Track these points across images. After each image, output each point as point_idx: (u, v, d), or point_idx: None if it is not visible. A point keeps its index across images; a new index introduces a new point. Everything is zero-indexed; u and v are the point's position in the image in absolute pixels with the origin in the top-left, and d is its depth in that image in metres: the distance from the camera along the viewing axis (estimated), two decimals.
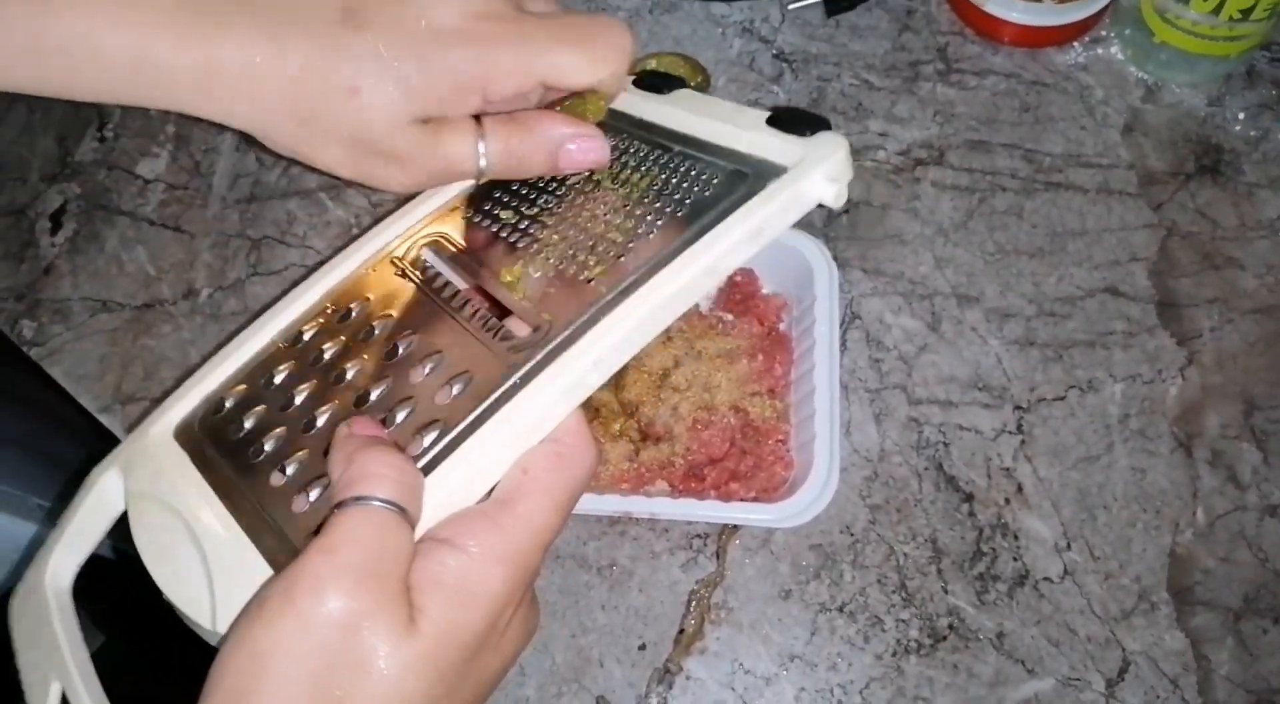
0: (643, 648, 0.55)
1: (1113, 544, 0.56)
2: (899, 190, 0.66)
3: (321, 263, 0.43)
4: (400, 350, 0.37)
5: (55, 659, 0.33)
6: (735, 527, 0.57)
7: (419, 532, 0.31)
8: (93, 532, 0.38)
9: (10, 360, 0.68)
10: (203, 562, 0.33)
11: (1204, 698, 0.53)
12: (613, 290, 0.34)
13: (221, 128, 0.53)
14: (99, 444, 0.63)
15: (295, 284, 0.42)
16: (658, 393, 0.57)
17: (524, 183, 0.42)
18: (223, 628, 0.31)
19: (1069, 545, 0.56)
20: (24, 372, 0.67)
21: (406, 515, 0.30)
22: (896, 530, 0.57)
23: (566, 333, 0.34)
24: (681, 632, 0.55)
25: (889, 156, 0.68)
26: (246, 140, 0.68)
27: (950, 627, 0.55)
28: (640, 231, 0.37)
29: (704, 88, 0.70)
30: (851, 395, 0.60)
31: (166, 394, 0.63)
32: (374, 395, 0.35)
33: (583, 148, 0.39)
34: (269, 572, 0.31)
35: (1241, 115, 0.68)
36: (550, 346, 0.33)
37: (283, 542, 0.32)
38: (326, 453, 0.33)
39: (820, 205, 0.35)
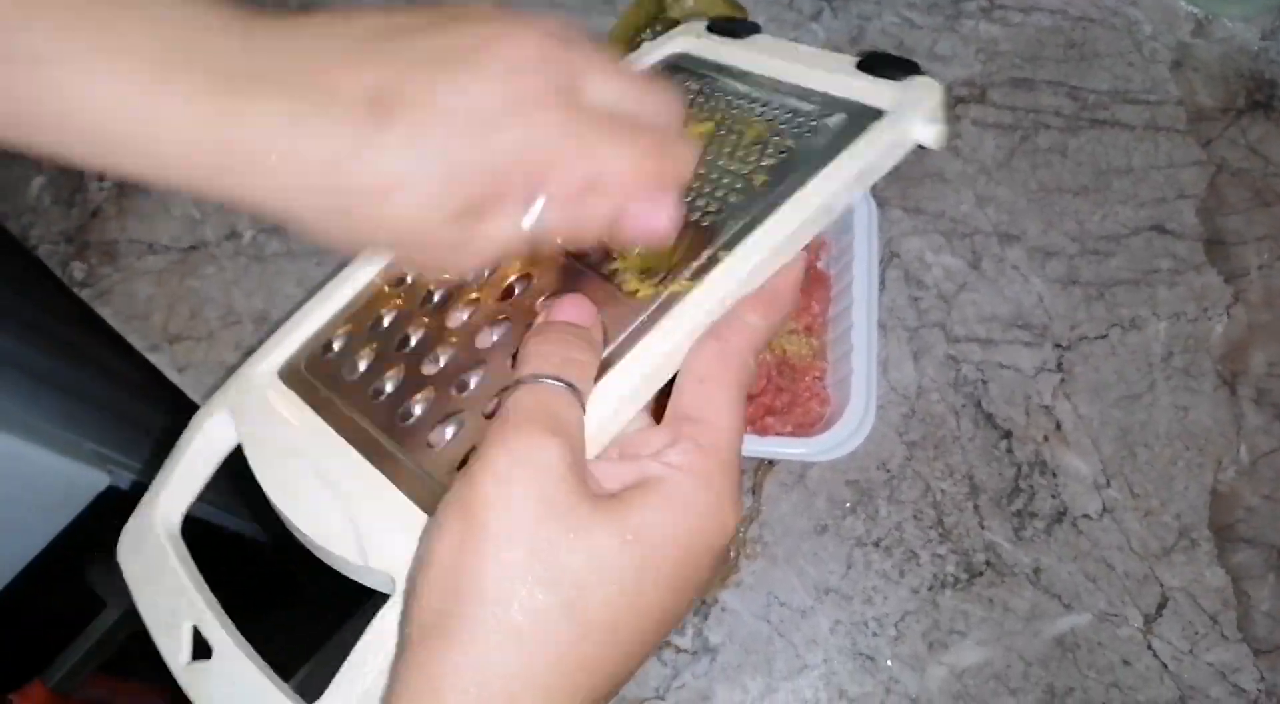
0: None
1: (1153, 482, 0.56)
2: None
3: None
4: (516, 291, 0.36)
5: (182, 599, 0.33)
6: (771, 462, 0.58)
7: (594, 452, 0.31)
8: (200, 473, 0.38)
9: (62, 308, 0.70)
10: (341, 503, 0.33)
11: (1243, 633, 0.52)
12: (729, 232, 0.34)
13: None
14: (149, 388, 0.65)
15: None
16: None
17: None
18: (373, 562, 0.31)
19: (1108, 483, 0.56)
20: (76, 318, 0.69)
21: (576, 392, 0.30)
22: (933, 467, 0.57)
23: (688, 273, 0.33)
24: None
25: None
26: None
27: (986, 562, 0.55)
28: (749, 174, 0.36)
29: None
30: (889, 334, 0.60)
31: (212, 334, 0.65)
32: (495, 337, 0.35)
33: (647, 216, 0.33)
34: (411, 506, 0.31)
35: None
36: (673, 287, 0.33)
37: (420, 475, 0.32)
38: (456, 390, 0.34)
39: (921, 147, 0.35)
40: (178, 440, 0.38)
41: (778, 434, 0.55)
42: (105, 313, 0.67)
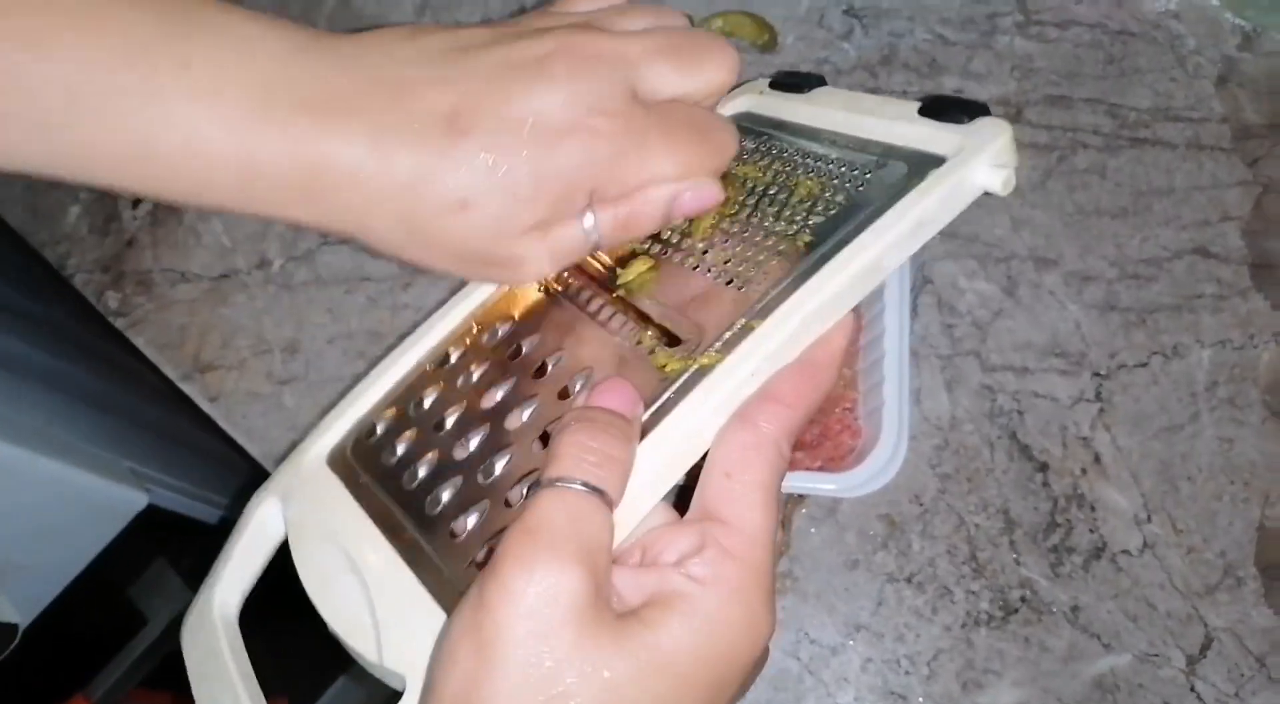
0: None
1: (1196, 517, 0.54)
2: None
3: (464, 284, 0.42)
4: (550, 368, 0.35)
5: (229, 695, 0.33)
6: (801, 496, 0.57)
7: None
8: (256, 560, 0.38)
9: (100, 329, 0.71)
10: (365, 593, 0.32)
11: None
12: (764, 298, 0.33)
13: None
14: (186, 406, 0.66)
15: (439, 306, 0.41)
16: None
17: None
18: (388, 661, 0.30)
19: (1149, 518, 0.54)
20: (114, 340, 0.70)
21: (605, 498, 0.29)
22: (967, 500, 0.56)
23: (718, 344, 0.32)
24: None
25: None
26: None
27: (1022, 599, 0.54)
28: (791, 233, 0.35)
29: (770, 47, 0.68)
30: (922, 362, 0.59)
31: (243, 362, 0.66)
32: (525, 416, 0.34)
33: (696, 195, 0.35)
34: (430, 602, 0.31)
35: None
36: (702, 359, 0.32)
37: (441, 569, 0.32)
38: (483, 476, 0.33)
39: (987, 193, 0.33)
40: (234, 527, 0.39)
41: (807, 469, 0.54)
42: (139, 342, 0.68)
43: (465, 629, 0.27)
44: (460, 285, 0.42)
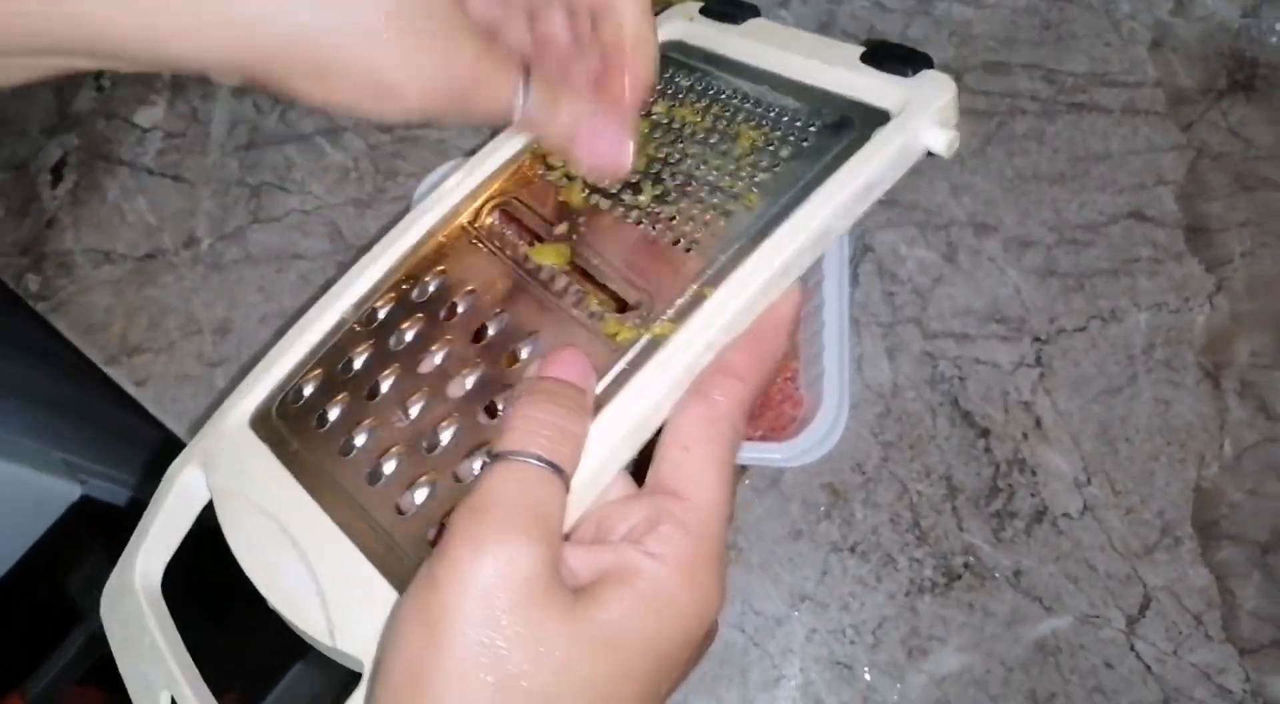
0: None
1: (1135, 478, 0.54)
2: None
3: (386, 229, 0.39)
4: (490, 330, 0.34)
5: (160, 667, 0.32)
6: (744, 467, 0.56)
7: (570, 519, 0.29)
8: (177, 528, 0.36)
9: (23, 313, 0.68)
10: (306, 568, 0.31)
11: (1228, 633, 0.51)
12: (716, 263, 0.31)
13: None
14: (117, 395, 0.64)
15: (360, 254, 0.39)
16: None
17: None
18: (342, 644, 0.29)
19: (1089, 480, 0.55)
20: (38, 324, 0.67)
21: (560, 472, 0.28)
22: (910, 468, 0.56)
23: (671, 312, 0.31)
24: None
25: None
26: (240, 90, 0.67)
27: (965, 565, 0.54)
28: (738, 190, 0.33)
29: None
30: (864, 330, 0.59)
31: (173, 345, 0.64)
32: (468, 384, 0.33)
33: (600, 135, 0.33)
34: (381, 581, 0.29)
35: (1278, 26, 0.64)
36: (655, 328, 0.31)
37: (390, 546, 0.30)
38: (427, 448, 0.31)
39: (931, 154, 0.32)
40: (154, 494, 0.37)
41: (749, 439, 0.53)
42: (62, 326, 0.65)
43: (413, 609, 0.26)
44: (387, 228, 0.39)
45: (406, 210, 0.40)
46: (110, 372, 0.64)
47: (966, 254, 0.60)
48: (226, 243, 0.66)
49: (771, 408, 0.55)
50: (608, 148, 0.33)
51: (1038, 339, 0.58)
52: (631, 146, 0.34)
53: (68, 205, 0.68)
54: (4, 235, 0.68)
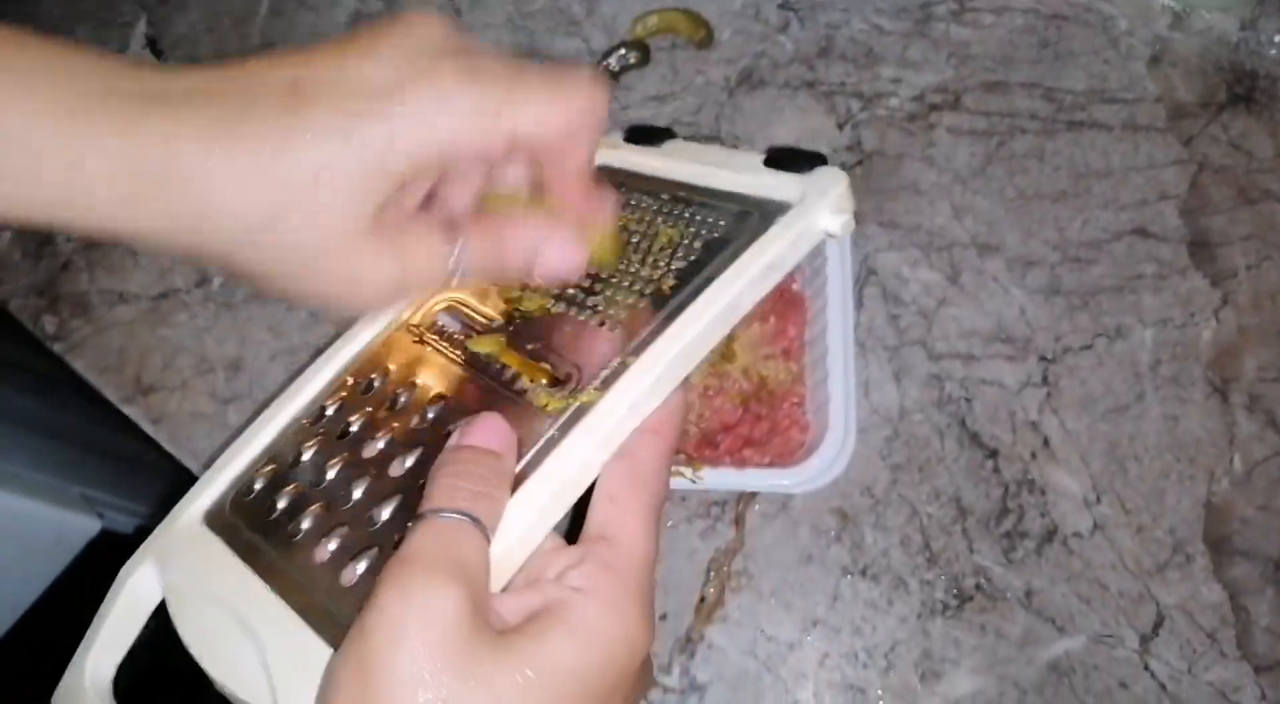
0: (663, 618, 0.54)
1: (1145, 496, 0.54)
2: (913, 138, 0.64)
3: (334, 338, 0.42)
4: (430, 416, 0.36)
5: None
6: (753, 493, 0.56)
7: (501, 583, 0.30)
8: (130, 627, 0.37)
9: (40, 351, 0.69)
10: (256, 649, 0.32)
11: (1243, 650, 0.51)
12: (637, 337, 0.35)
13: None
14: (133, 432, 0.64)
15: (311, 360, 0.41)
16: None
17: None
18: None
19: (1099, 499, 0.55)
20: (54, 362, 0.68)
21: (479, 524, 0.29)
22: (919, 490, 0.56)
23: (597, 382, 0.34)
24: (702, 600, 0.55)
25: (902, 103, 0.65)
26: None
27: (977, 587, 0.54)
28: (656, 278, 0.37)
29: (706, 43, 0.68)
30: (869, 354, 0.59)
31: (186, 383, 0.65)
32: (408, 463, 0.35)
33: (561, 253, 0.35)
34: (327, 651, 0.31)
35: (1277, 38, 0.64)
36: (582, 396, 0.34)
37: (331, 612, 0.32)
38: (368, 524, 0.33)
39: (829, 235, 0.37)
40: (106, 594, 0.37)
41: (757, 465, 0.54)
42: (78, 365, 0.66)
43: (346, 658, 0.27)
44: (335, 337, 0.42)
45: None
46: (127, 410, 0.64)
47: (970, 275, 0.60)
48: (237, 281, 0.67)
49: (779, 434, 0.55)
50: (562, 260, 0.35)
51: (1044, 358, 0.58)
52: (585, 252, 0.36)
53: (82, 248, 0.70)
54: (21, 278, 0.69)
